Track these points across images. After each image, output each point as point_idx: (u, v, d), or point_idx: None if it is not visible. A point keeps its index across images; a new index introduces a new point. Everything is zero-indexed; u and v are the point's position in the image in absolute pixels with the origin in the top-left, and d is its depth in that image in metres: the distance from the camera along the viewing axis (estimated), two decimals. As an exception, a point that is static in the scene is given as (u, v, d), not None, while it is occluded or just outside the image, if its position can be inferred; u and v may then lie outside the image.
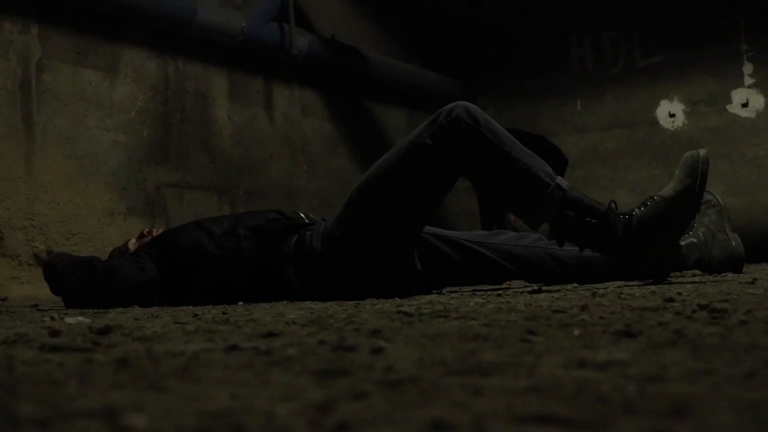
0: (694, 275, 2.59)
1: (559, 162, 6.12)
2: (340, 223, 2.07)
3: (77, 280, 2.13)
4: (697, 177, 2.03)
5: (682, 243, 2.36)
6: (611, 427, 0.43)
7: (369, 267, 2.05)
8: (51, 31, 3.68)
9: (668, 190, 2.07)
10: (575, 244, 2.07)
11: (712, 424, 0.43)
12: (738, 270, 2.56)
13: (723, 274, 2.47)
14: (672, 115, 6.46)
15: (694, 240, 2.43)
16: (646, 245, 2.01)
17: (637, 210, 2.07)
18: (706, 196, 2.47)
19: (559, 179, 2.05)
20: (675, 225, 2.03)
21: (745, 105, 6.19)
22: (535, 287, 2.19)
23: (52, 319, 1.43)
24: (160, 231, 2.51)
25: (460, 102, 2.06)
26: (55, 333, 1.06)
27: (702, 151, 2.08)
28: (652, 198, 2.07)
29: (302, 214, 2.35)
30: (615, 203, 2.10)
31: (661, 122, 6.51)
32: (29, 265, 3.46)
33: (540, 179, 2.01)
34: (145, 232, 2.52)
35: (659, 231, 2.01)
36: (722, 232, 2.48)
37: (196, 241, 2.22)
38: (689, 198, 2.02)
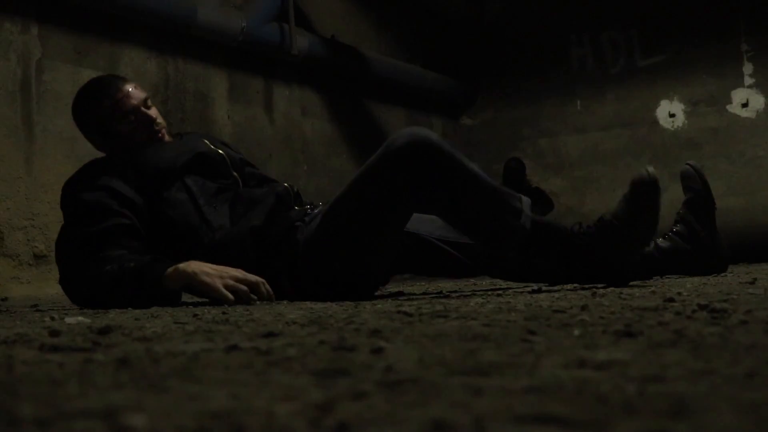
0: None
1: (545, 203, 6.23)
2: (318, 233, 2.04)
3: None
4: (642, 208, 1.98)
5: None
6: (611, 427, 0.43)
7: (348, 275, 2.02)
8: (51, 31, 3.68)
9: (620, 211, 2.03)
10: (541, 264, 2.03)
11: (712, 424, 0.43)
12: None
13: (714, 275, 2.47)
14: (672, 115, 6.46)
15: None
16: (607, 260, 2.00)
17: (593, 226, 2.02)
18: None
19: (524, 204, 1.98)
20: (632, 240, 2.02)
21: (745, 105, 6.19)
22: (535, 287, 2.20)
23: (52, 319, 1.43)
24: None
25: (406, 131, 2.01)
26: (55, 333, 1.06)
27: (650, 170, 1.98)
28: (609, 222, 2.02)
29: (296, 191, 2.27)
30: (579, 224, 2.05)
31: (661, 122, 6.51)
32: (29, 265, 3.46)
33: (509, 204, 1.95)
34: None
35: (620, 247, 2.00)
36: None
37: (192, 230, 2.07)
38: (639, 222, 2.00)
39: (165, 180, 2.10)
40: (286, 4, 4.80)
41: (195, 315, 1.44)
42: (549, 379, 0.59)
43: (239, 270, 1.88)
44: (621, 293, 1.67)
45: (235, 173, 2.23)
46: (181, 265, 1.86)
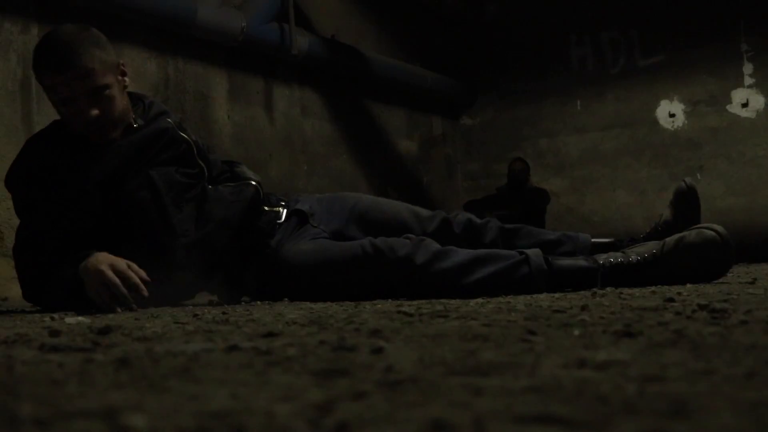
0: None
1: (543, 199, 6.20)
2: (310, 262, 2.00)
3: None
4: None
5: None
6: (611, 427, 0.43)
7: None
8: (51, 31, 3.68)
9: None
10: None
11: (712, 424, 0.43)
12: None
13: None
14: (672, 115, 6.46)
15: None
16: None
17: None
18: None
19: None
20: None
21: (745, 105, 6.19)
22: None
23: (52, 319, 1.43)
24: None
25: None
26: (55, 333, 1.06)
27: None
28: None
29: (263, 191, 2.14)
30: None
31: (661, 122, 6.51)
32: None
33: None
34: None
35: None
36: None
37: (152, 233, 1.92)
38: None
39: (126, 173, 1.92)
40: (286, 4, 4.80)
41: (195, 315, 1.44)
42: (549, 379, 0.59)
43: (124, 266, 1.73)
44: (621, 293, 1.67)
45: (200, 162, 2.08)
46: (82, 267, 1.74)
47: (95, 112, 1.85)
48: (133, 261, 1.78)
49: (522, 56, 6.98)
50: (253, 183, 2.11)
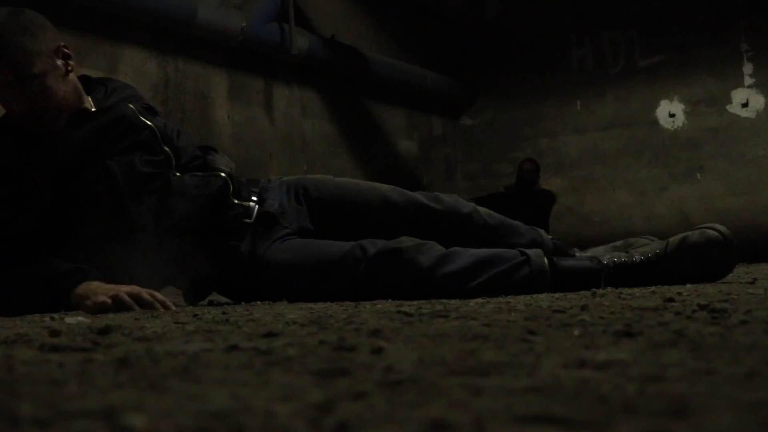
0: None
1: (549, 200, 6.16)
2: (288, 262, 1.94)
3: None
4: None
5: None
6: (611, 427, 0.43)
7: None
8: (51, 31, 3.68)
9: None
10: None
11: (712, 424, 0.43)
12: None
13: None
14: (672, 115, 6.46)
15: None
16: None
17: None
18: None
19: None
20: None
21: (745, 105, 6.19)
22: None
23: (52, 319, 1.43)
24: None
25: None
26: (55, 333, 1.06)
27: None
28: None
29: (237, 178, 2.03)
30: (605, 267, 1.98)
31: (661, 122, 6.51)
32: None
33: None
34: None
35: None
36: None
37: (106, 228, 1.81)
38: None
39: (81, 164, 1.81)
40: (285, 4, 4.80)
41: (195, 315, 1.44)
42: (549, 379, 0.59)
43: (131, 289, 1.66)
44: (621, 293, 1.67)
45: (166, 148, 1.93)
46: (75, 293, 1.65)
47: (23, 104, 1.75)
48: (88, 255, 1.71)
49: (522, 56, 6.98)
50: (222, 175, 1.96)
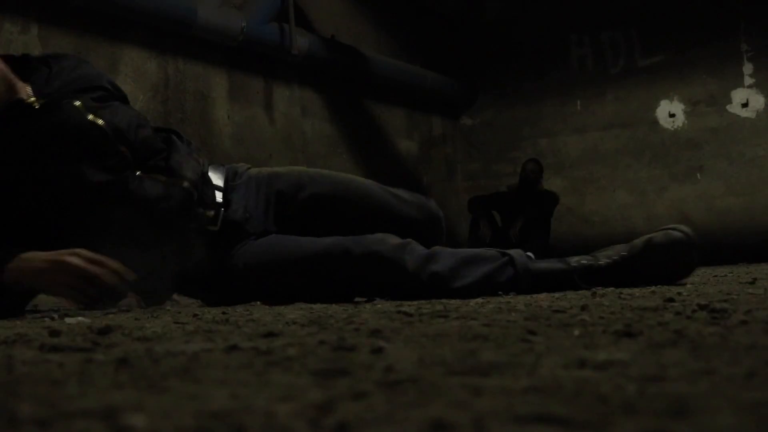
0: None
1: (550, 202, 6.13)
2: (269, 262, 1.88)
3: None
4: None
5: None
6: (611, 427, 0.43)
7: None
8: (51, 31, 3.68)
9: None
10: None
11: (712, 424, 0.43)
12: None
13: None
14: (672, 115, 6.46)
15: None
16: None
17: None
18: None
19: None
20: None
21: (745, 105, 6.20)
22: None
23: (52, 319, 1.43)
24: None
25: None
26: (55, 333, 1.06)
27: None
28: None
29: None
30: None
31: (661, 122, 6.51)
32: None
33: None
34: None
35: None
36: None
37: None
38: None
39: (18, 180, 1.62)
40: (286, 4, 4.80)
41: (195, 315, 1.44)
42: (549, 379, 0.59)
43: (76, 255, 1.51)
44: (621, 293, 1.67)
45: (122, 147, 1.71)
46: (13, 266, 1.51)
47: None
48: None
49: (522, 56, 6.98)
50: (186, 185, 1.78)
